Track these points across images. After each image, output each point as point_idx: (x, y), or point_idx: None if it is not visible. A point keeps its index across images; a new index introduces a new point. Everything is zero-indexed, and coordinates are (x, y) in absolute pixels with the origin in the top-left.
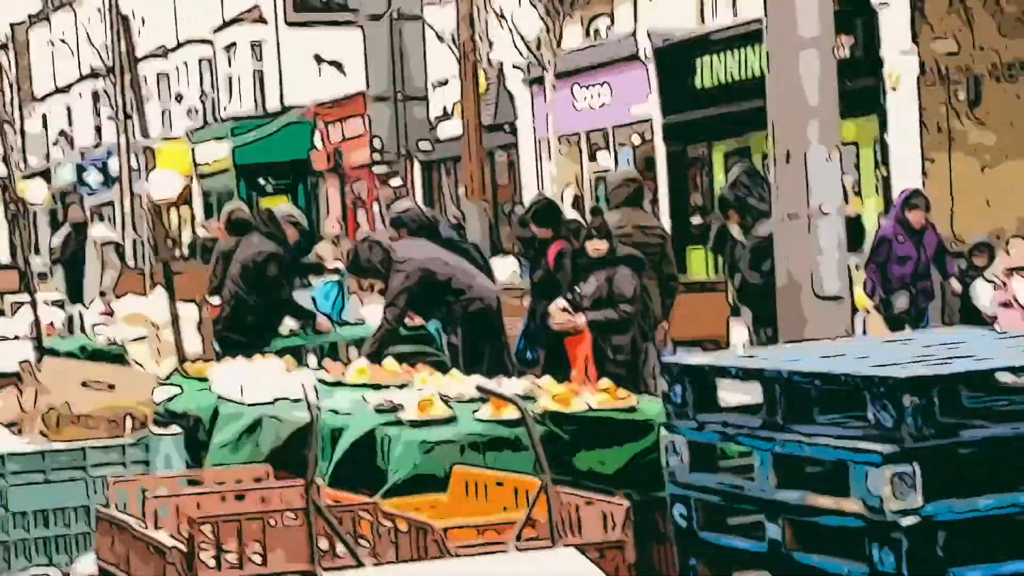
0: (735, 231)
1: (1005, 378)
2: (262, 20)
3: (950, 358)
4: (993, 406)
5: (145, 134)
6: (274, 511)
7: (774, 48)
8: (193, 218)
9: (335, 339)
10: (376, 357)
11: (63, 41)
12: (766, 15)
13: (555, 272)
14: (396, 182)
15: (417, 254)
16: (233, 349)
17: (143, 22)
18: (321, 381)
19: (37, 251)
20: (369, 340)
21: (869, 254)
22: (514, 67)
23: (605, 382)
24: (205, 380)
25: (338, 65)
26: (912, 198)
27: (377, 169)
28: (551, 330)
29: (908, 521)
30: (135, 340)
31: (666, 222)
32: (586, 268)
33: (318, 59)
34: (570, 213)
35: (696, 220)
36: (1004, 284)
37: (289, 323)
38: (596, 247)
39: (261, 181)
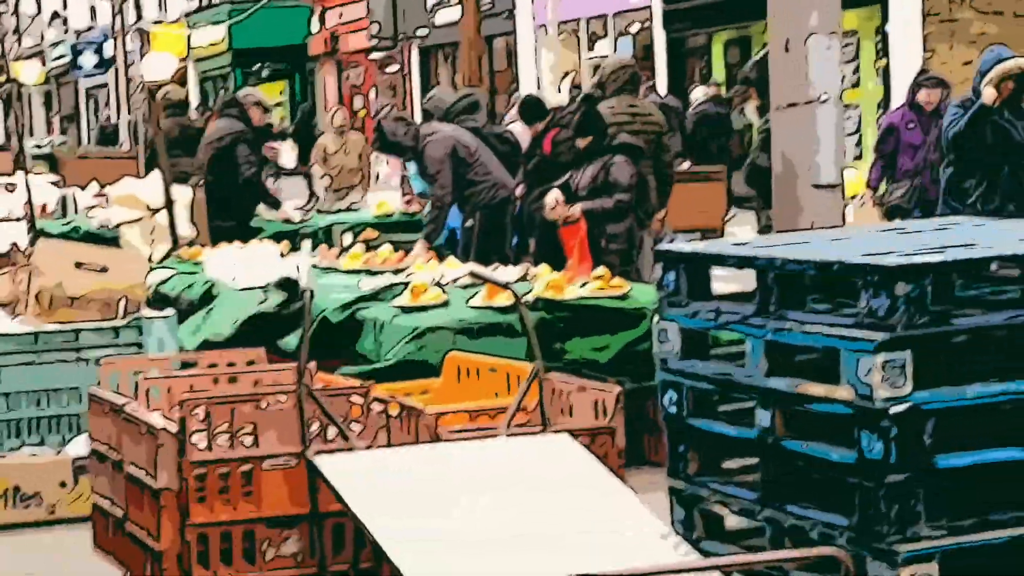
0: (750, 110)
1: (997, 267)
2: None
3: (944, 247)
4: (985, 295)
5: (140, 16)
6: (266, 393)
7: None
8: (188, 103)
9: (329, 224)
10: (431, 239)
11: None
12: None
13: (551, 159)
14: (393, 68)
15: (444, 126)
16: (216, 235)
17: None
18: (315, 266)
19: (31, 132)
20: (427, 224)
21: (876, 142)
22: None
23: (600, 270)
24: (199, 264)
25: None
26: (922, 75)
27: (374, 55)
28: (544, 219)
29: (897, 408)
30: (129, 223)
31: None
32: (581, 157)
33: None
34: (564, 100)
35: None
36: None
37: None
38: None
39: (257, 66)
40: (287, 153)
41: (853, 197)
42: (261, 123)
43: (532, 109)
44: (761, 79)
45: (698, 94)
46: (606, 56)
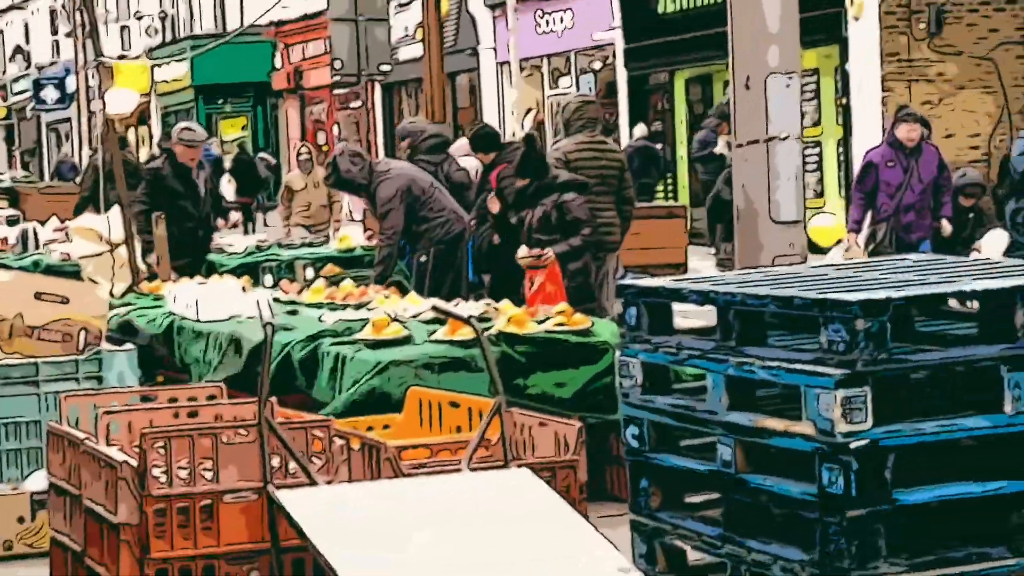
0: (722, 143)
1: (956, 304)
2: None
3: (904, 283)
4: (945, 331)
5: (100, 53)
6: (227, 427)
7: None
8: (151, 137)
9: (290, 259)
10: (383, 279)
11: None
12: None
13: (498, 193)
14: (356, 104)
15: (399, 164)
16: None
17: None
18: (277, 300)
19: None
20: (376, 264)
21: (855, 180)
22: None
23: (562, 305)
24: (160, 299)
25: None
26: (902, 111)
27: (337, 91)
28: (498, 254)
29: (857, 444)
30: (89, 257)
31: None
32: (523, 195)
33: None
34: (520, 135)
35: (658, 146)
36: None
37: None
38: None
39: (220, 101)
40: (226, 186)
41: (838, 242)
42: (186, 159)
43: (485, 140)
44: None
45: (637, 132)
46: (568, 93)
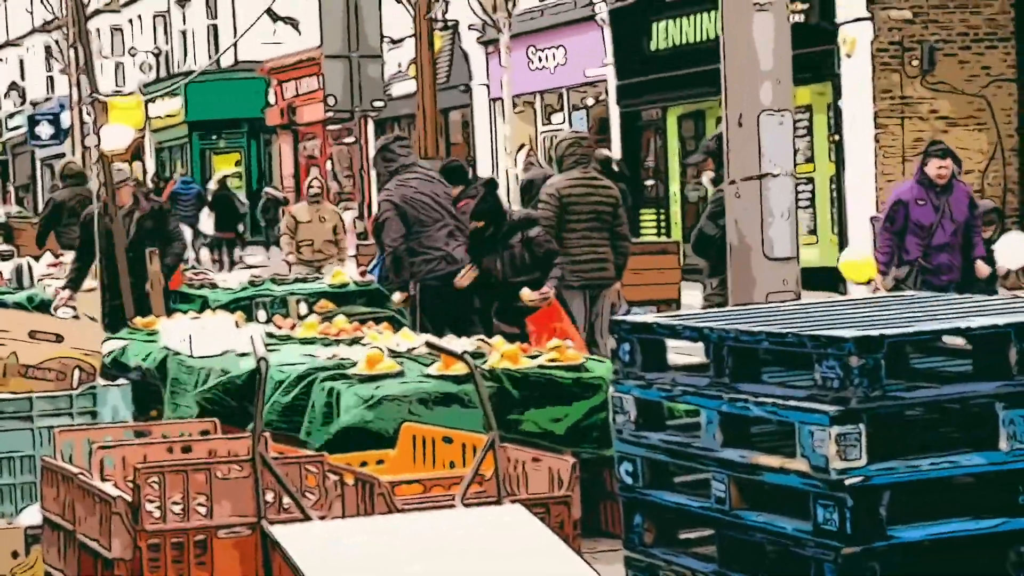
0: (705, 180)
1: (951, 340)
2: None
3: (899, 320)
4: (940, 368)
5: (95, 89)
6: (221, 462)
7: (728, 11)
8: (145, 173)
9: (284, 294)
10: (404, 285)
11: None
12: None
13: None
14: (349, 139)
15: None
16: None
17: None
18: (270, 335)
19: None
20: (392, 278)
21: (884, 219)
22: (470, 27)
23: (555, 341)
24: (154, 334)
25: (293, 23)
26: (932, 146)
27: (330, 126)
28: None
29: (852, 481)
30: (84, 291)
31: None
32: (491, 238)
33: (272, 16)
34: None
35: (649, 183)
36: None
37: None
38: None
39: (213, 137)
40: (205, 220)
41: (868, 282)
42: (126, 203)
43: (453, 173)
44: (719, 151)
45: (521, 157)
46: (560, 129)
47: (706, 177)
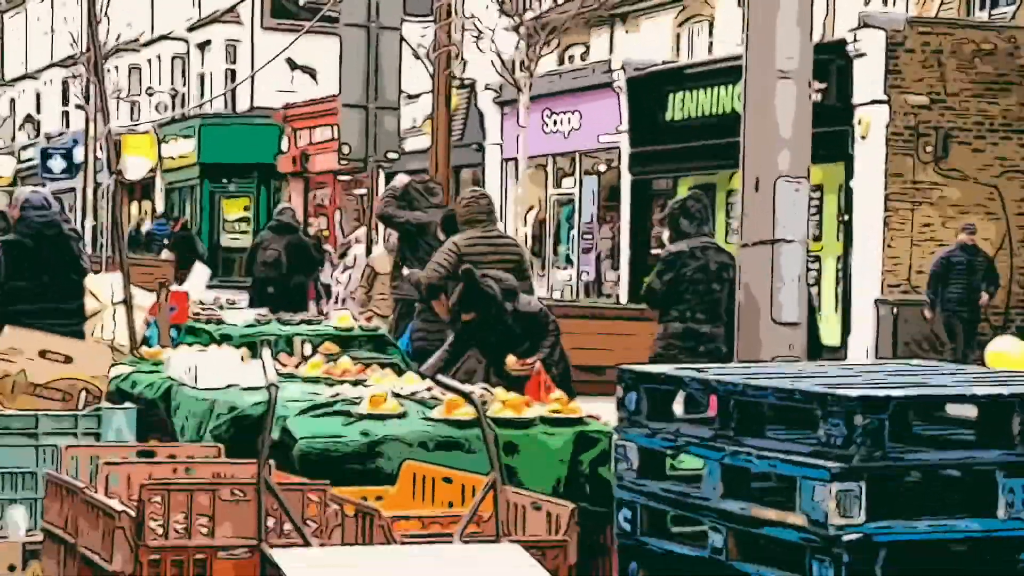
0: (665, 237)
1: (953, 409)
2: (238, 21)
3: (905, 384)
4: (941, 435)
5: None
6: (225, 484)
7: (752, 78)
8: (154, 211)
9: (289, 334)
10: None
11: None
12: (747, 45)
13: None
14: (360, 191)
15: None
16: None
17: (108, 20)
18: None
19: None
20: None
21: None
22: (487, 87)
23: (557, 393)
24: (159, 364)
25: (311, 72)
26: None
27: (341, 177)
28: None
29: (850, 537)
30: (89, 316)
31: (625, 251)
32: (480, 325)
33: (291, 64)
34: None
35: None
36: None
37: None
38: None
39: (224, 181)
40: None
41: None
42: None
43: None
44: (672, 215)
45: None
46: (571, 193)
47: (665, 235)
